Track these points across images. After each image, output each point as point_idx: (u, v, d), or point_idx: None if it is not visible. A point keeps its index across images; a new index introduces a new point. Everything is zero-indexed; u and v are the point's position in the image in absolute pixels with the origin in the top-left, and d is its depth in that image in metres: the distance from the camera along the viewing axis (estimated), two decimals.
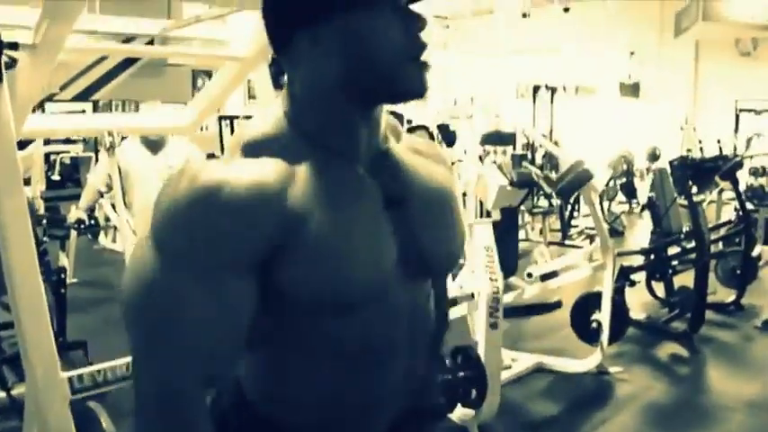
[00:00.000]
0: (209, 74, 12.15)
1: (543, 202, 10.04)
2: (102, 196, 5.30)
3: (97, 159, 8.11)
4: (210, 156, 11.43)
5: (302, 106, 1.13)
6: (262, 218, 1.02)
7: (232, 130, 12.53)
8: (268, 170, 1.04)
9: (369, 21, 1.06)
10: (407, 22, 1.10)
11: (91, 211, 5.84)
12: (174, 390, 1.04)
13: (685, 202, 5.74)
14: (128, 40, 12.05)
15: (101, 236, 7.93)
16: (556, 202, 10.03)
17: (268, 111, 1.15)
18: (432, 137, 7.61)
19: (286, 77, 1.15)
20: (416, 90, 1.12)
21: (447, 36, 15.49)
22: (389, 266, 1.14)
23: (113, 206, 5.82)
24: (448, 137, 7.67)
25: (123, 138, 4.29)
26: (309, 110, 1.12)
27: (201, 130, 13.60)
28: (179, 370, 1.03)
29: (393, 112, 5.62)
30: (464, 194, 3.98)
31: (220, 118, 12.80)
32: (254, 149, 1.08)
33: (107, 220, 7.67)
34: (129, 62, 13.01)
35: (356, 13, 1.06)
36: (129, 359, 2.00)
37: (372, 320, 1.14)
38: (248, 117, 12.33)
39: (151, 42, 12.07)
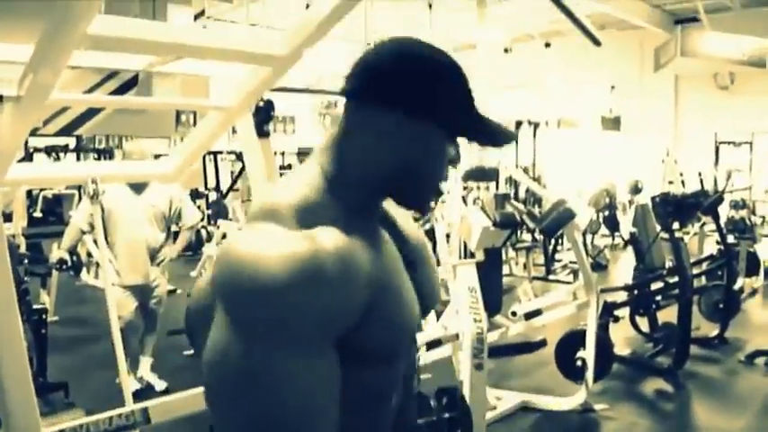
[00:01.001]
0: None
1: (527, 237, 10.08)
2: (84, 234, 5.27)
3: (80, 197, 8.08)
4: (195, 192, 11.41)
5: (348, 180, 1.16)
6: (359, 289, 1.02)
7: (216, 166, 12.58)
8: (348, 242, 1.03)
9: (438, 138, 1.17)
10: (449, 154, 1.20)
11: (73, 249, 5.81)
12: None
13: (668, 237, 5.78)
14: (112, 75, 12.05)
15: (83, 272, 7.87)
16: (539, 236, 10.07)
17: (300, 176, 1.16)
18: None
19: (342, 136, 1.18)
20: (424, 211, 1.28)
21: None
22: (419, 317, 1.22)
23: (96, 242, 5.80)
24: None
25: None
26: (354, 184, 1.16)
27: None
28: None
29: None
30: (447, 235, 3.99)
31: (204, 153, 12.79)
32: (308, 217, 1.06)
33: (89, 255, 7.64)
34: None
35: (435, 128, 1.16)
36: (116, 411, 1.98)
37: (399, 366, 1.20)
38: (232, 152, 12.29)
39: (136, 77, 12.07)
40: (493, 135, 1.21)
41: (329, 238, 1.01)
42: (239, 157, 11.89)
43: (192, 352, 5.58)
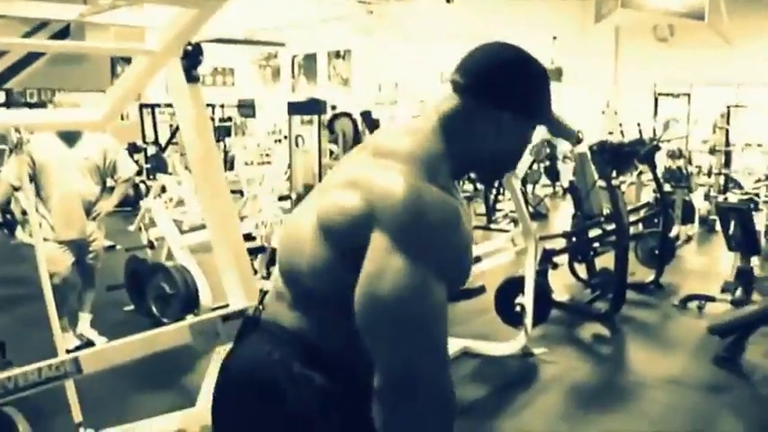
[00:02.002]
0: (128, 61, 11.87)
1: (468, 187, 10.14)
2: (16, 190, 5.13)
3: (10, 152, 7.86)
4: (132, 146, 11.16)
5: (458, 154, 1.44)
6: (470, 238, 1.41)
7: (153, 119, 12.32)
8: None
9: (531, 132, 1.52)
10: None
11: (6, 206, 5.67)
12: (449, 387, 1.30)
13: (605, 185, 5.87)
14: (42, 25, 11.68)
15: (18, 230, 7.69)
16: (480, 186, 10.15)
17: (423, 138, 1.42)
18: (354, 124, 7.65)
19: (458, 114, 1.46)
20: (491, 185, 1.93)
21: (371, 22, 15.43)
22: None
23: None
24: (370, 123, 7.71)
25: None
26: (461, 158, 1.45)
27: (122, 119, 13.22)
28: (446, 371, 1.31)
29: (314, 101, 5.54)
30: None
31: (141, 106, 12.53)
32: (432, 174, 1.35)
33: (24, 213, 7.46)
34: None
35: (531, 122, 1.51)
36: (47, 362, 1.94)
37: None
38: (169, 105, 12.03)
39: (67, 28, 11.72)
40: (562, 130, 1.65)
41: (455, 200, 1.36)
42: None
43: (132, 307, 5.51)
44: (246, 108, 14.95)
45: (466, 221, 1.36)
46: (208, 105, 13.65)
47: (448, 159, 1.42)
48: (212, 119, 13.53)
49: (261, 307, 1.57)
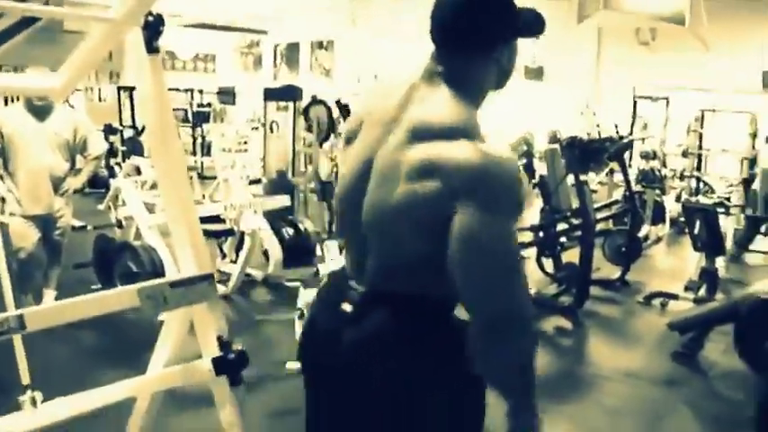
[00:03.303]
0: None
1: None
2: None
3: None
4: (108, 127, 11.10)
5: (478, 88, 1.65)
6: None
7: (132, 102, 12.27)
8: None
9: (514, 49, 1.69)
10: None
11: None
12: (529, 314, 1.52)
13: (574, 181, 5.93)
14: None
15: None
16: None
17: (451, 98, 1.57)
18: (329, 111, 7.67)
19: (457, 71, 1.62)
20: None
21: (355, 12, 15.45)
22: None
23: None
24: (345, 111, 7.73)
25: None
26: (479, 101, 1.65)
27: (100, 100, 13.11)
28: (531, 309, 1.53)
29: (291, 87, 5.52)
30: None
31: (119, 88, 12.46)
32: (478, 136, 1.52)
33: None
34: (21, 25, 12.47)
35: (512, 44, 1.67)
36: None
37: None
38: None
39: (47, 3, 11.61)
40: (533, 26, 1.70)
41: (510, 152, 1.55)
42: None
43: (98, 286, 5.49)
44: (226, 95, 14.92)
45: None
46: (186, 90, 13.71)
47: (474, 111, 1.60)
48: (190, 104, 13.50)
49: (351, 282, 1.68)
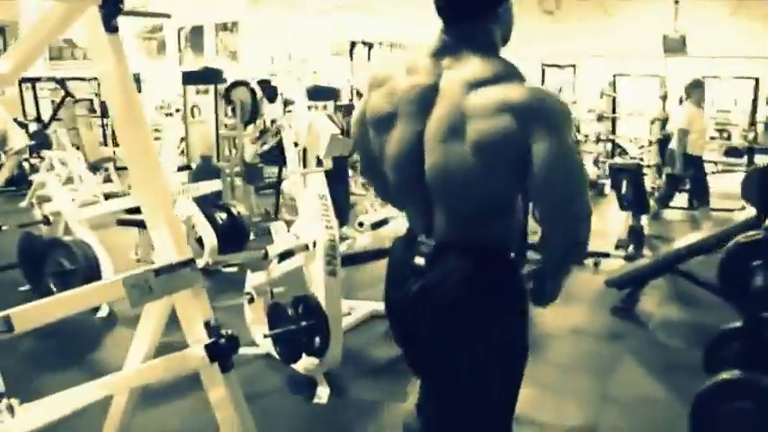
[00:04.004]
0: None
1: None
2: None
3: None
4: (14, 121, 10.63)
5: (497, 46, 1.89)
6: None
7: (35, 94, 11.77)
8: None
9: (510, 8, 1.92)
10: None
11: None
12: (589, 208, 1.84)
13: None
14: None
15: None
16: None
17: (485, 57, 1.81)
18: (253, 93, 7.55)
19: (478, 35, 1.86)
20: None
21: None
22: None
23: None
24: (270, 92, 7.63)
25: None
26: (499, 46, 1.90)
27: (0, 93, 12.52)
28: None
29: (211, 70, 5.45)
30: (295, 144, 3.96)
31: (20, 81, 11.93)
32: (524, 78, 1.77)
33: None
34: None
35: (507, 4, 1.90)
36: None
37: None
38: (52, 79, 11.44)
39: None
40: None
41: None
42: (61, 83, 11.17)
43: (27, 287, 5.27)
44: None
45: None
46: (91, 79, 13.24)
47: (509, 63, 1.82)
48: (97, 94, 13.06)
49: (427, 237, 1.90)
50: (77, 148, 9.25)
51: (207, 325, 2.01)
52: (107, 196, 6.30)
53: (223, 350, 1.98)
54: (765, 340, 3.07)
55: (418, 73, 1.85)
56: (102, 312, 4.91)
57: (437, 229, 1.87)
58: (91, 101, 13.16)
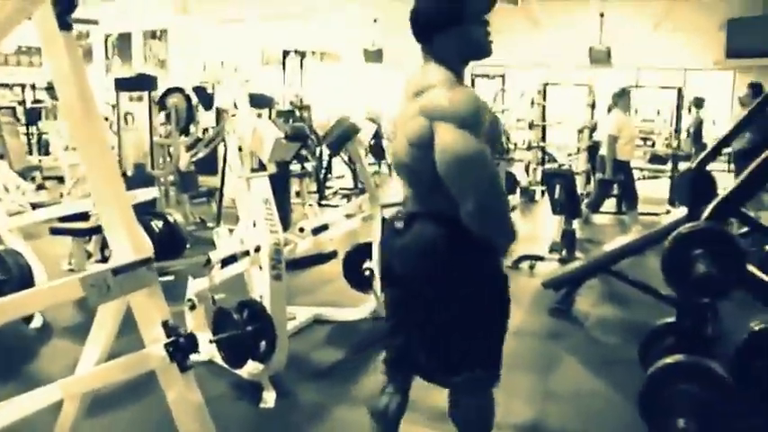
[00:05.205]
0: None
1: (297, 167, 10.22)
2: None
3: None
4: None
5: (448, 60, 2.27)
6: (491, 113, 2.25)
7: None
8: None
9: (472, 27, 2.28)
10: (485, 27, 2.32)
11: None
12: (504, 199, 2.31)
13: None
14: None
15: None
16: (310, 165, 10.26)
17: (434, 68, 2.26)
18: (188, 99, 7.47)
19: (434, 52, 2.30)
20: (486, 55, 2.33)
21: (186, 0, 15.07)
22: None
23: None
24: (205, 99, 7.55)
25: None
26: (458, 66, 2.30)
27: None
28: (502, 192, 2.29)
29: (145, 76, 5.39)
30: (239, 149, 3.95)
31: None
32: (450, 82, 2.20)
33: None
34: None
35: (466, 25, 2.26)
36: None
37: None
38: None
39: None
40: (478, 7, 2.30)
41: (474, 91, 2.22)
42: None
43: None
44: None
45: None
46: (17, 85, 12.92)
47: (449, 73, 2.23)
48: (23, 101, 12.74)
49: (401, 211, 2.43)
50: (2, 157, 9.00)
51: (165, 324, 2.00)
52: (34, 206, 6.15)
53: (182, 349, 1.97)
54: (702, 325, 3.25)
55: (407, 82, 2.36)
56: (36, 323, 4.79)
57: (408, 202, 2.41)
58: (14, 109, 12.83)
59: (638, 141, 13.17)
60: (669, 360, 3.04)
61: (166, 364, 1.96)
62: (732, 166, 10.28)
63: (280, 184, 4.28)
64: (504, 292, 2.45)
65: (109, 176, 2.00)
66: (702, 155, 4.06)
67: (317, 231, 4.82)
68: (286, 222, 4.62)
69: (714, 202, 3.04)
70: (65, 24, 1.94)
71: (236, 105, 3.99)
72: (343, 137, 4.69)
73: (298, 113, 10.80)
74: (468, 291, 2.32)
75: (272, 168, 3.96)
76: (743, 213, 3.75)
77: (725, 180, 4.11)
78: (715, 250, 2.89)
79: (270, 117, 7.61)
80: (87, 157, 2.01)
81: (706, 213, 2.99)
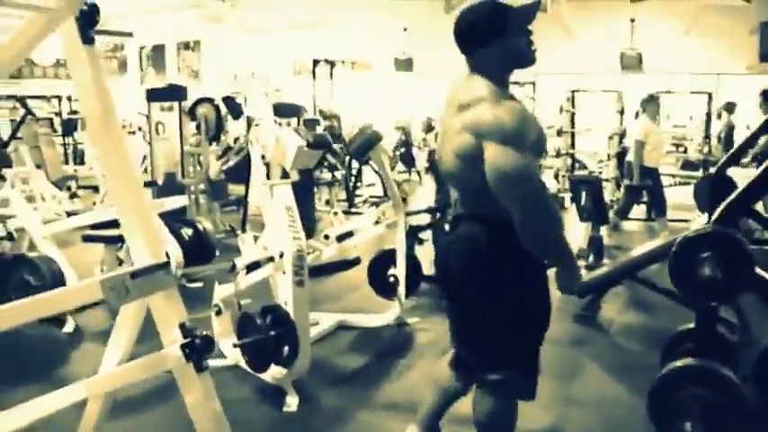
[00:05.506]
0: None
1: (327, 175, 10.29)
2: None
3: None
4: None
5: (492, 72, 2.38)
6: (538, 122, 2.39)
7: None
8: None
9: (514, 38, 2.39)
10: (528, 36, 2.42)
11: None
12: (551, 213, 2.32)
13: None
14: None
15: None
16: (340, 174, 10.32)
17: (479, 81, 2.37)
18: (217, 109, 7.60)
19: (478, 64, 2.43)
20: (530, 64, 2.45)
21: (221, 10, 15.25)
22: None
23: None
24: (234, 109, 7.67)
25: None
26: (504, 79, 2.42)
27: None
28: (549, 203, 2.34)
29: (175, 87, 5.51)
30: (263, 157, 4.02)
31: None
32: (496, 96, 2.30)
33: None
34: None
35: (508, 37, 2.37)
36: None
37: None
38: (12, 97, 11.29)
39: None
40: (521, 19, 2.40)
41: (523, 107, 2.31)
42: (21, 102, 11.08)
43: None
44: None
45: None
46: (54, 97, 13.17)
47: (494, 86, 2.33)
48: (59, 113, 12.99)
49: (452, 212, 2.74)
50: (39, 167, 9.19)
51: (182, 326, 2.06)
52: (69, 214, 6.28)
53: (198, 350, 2.03)
54: (715, 328, 3.29)
55: (451, 94, 2.48)
56: (68, 327, 4.90)
57: (456, 205, 2.60)
58: (51, 120, 13.08)
59: (671, 148, 13.09)
60: (678, 364, 3.06)
61: (183, 364, 2.03)
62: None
63: (304, 192, 4.33)
64: (541, 300, 2.51)
65: (128, 184, 2.07)
66: (722, 160, 4.05)
67: (341, 238, 4.87)
68: (311, 229, 4.67)
69: (723, 205, 3.06)
70: (87, 38, 2.02)
71: (249, 120, 4.08)
72: (365, 144, 4.74)
73: (327, 122, 10.87)
74: (506, 291, 2.41)
75: (294, 176, 4.02)
76: (755, 213, 3.73)
77: None
78: (721, 253, 2.91)
79: (298, 125, 7.71)
80: (108, 166, 2.09)
81: (715, 216, 3.01)
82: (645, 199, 8.78)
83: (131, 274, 1.96)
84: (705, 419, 2.92)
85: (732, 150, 4.16)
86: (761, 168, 3.08)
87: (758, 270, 3.00)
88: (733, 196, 3.10)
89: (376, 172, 11.23)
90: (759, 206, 6.52)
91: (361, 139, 4.77)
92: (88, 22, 2.01)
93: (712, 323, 3.23)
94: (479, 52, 2.39)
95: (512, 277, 2.41)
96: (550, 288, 2.52)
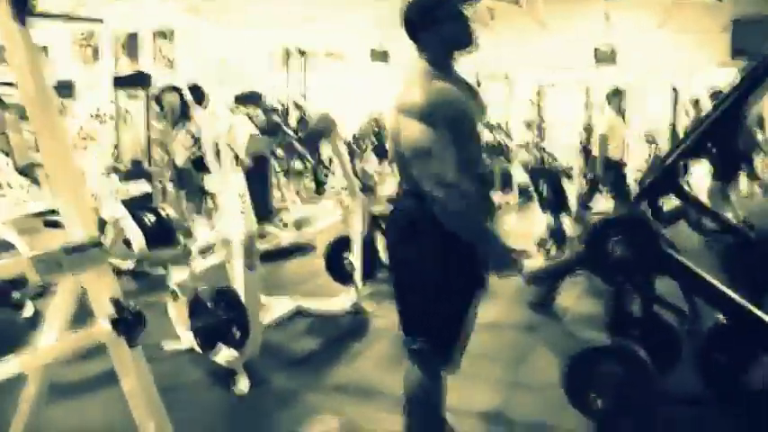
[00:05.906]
0: None
1: (299, 166, 10.32)
2: None
3: None
4: None
5: (434, 55, 2.56)
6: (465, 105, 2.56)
7: None
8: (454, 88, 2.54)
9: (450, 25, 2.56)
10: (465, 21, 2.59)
11: None
12: (465, 192, 2.40)
13: None
14: None
15: None
16: (309, 164, 10.38)
17: (417, 63, 2.57)
18: (182, 97, 7.59)
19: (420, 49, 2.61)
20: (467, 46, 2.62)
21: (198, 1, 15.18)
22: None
23: None
24: (197, 96, 7.66)
25: None
26: (442, 62, 2.58)
27: None
28: (456, 176, 2.40)
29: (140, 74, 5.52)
30: (216, 145, 4.06)
31: None
32: (427, 79, 2.48)
33: None
34: None
35: (441, 23, 2.55)
36: None
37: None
38: None
39: None
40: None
41: (450, 87, 2.50)
42: None
43: None
44: (65, 89, 14.25)
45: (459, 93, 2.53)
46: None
47: (429, 70, 2.51)
48: None
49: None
50: (6, 154, 9.14)
51: (116, 302, 2.10)
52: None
53: (130, 324, 2.08)
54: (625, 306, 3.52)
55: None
56: (27, 312, 4.93)
57: (400, 181, 2.71)
58: (20, 106, 12.96)
59: (644, 142, 13.21)
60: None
61: (114, 338, 2.08)
62: None
63: (260, 179, 4.38)
64: (456, 272, 2.57)
65: (63, 163, 2.11)
66: (666, 153, 4.14)
67: (299, 224, 4.92)
68: (267, 213, 4.71)
69: (641, 187, 3.26)
70: (21, 20, 2.05)
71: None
72: (315, 133, 4.77)
73: (298, 112, 10.88)
74: (424, 262, 2.54)
75: (248, 162, 4.06)
76: (680, 189, 3.74)
77: None
78: (631, 235, 3.12)
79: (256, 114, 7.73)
80: (43, 145, 2.12)
81: (633, 196, 3.22)
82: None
83: (65, 250, 2.01)
84: (610, 391, 3.18)
85: (677, 143, 4.25)
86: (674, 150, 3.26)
87: (669, 251, 3.11)
88: (651, 178, 3.26)
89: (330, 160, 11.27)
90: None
91: (315, 125, 4.81)
92: (21, 3, 2.04)
93: (621, 301, 3.45)
94: (420, 38, 2.57)
95: (430, 248, 2.53)
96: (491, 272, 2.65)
